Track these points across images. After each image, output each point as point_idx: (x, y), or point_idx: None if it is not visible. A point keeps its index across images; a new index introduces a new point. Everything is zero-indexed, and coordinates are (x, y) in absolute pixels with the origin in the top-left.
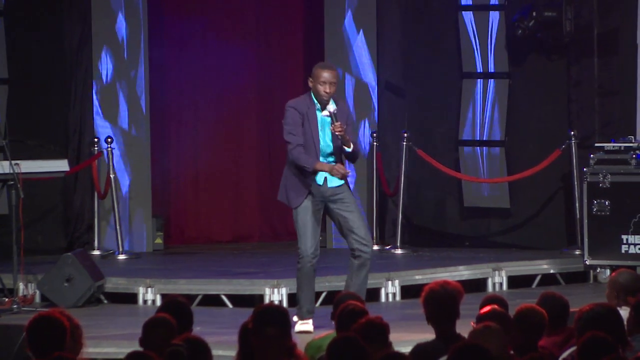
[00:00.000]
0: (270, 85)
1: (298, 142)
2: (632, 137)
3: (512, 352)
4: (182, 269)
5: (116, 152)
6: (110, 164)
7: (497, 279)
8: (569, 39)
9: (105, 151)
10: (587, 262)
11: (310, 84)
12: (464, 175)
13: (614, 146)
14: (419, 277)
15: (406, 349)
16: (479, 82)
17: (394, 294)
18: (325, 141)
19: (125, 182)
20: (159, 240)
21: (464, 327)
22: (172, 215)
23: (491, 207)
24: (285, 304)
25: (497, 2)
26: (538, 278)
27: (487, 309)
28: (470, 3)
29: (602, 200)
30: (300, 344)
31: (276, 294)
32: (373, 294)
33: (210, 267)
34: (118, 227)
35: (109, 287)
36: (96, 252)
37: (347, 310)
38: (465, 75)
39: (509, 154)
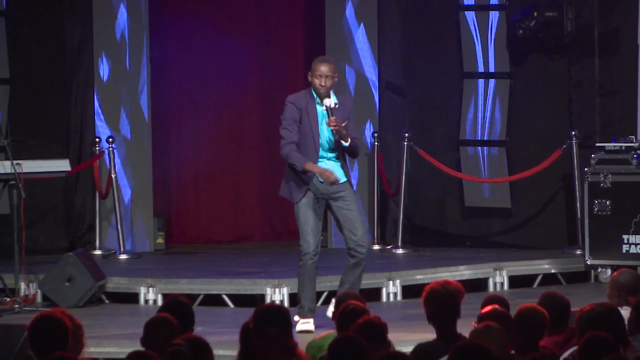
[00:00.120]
0: (270, 84)
1: (291, 139)
2: (633, 137)
3: (513, 352)
4: (184, 268)
5: (117, 152)
6: (112, 163)
7: (498, 278)
8: (569, 39)
9: (106, 151)
10: (588, 262)
11: (310, 78)
12: (465, 175)
13: (614, 146)
14: (420, 276)
15: (407, 349)
16: (480, 82)
17: (395, 294)
18: (326, 135)
19: (126, 182)
20: (160, 240)
21: (465, 327)
22: (173, 215)
23: (492, 207)
24: (286, 303)
25: (498, 2)
26: (539, 278)
27: (488, 308)
28: (471, 3)
29: (603, 200)
30: (301, 343)
31: (277, 294)
32: (374, 294)
33: (212, 267)
34: (119, 227)
35: (111, 287)
36: (97, 252)
37: (348, 310)
38: (466, 75)
39: (510, 154)
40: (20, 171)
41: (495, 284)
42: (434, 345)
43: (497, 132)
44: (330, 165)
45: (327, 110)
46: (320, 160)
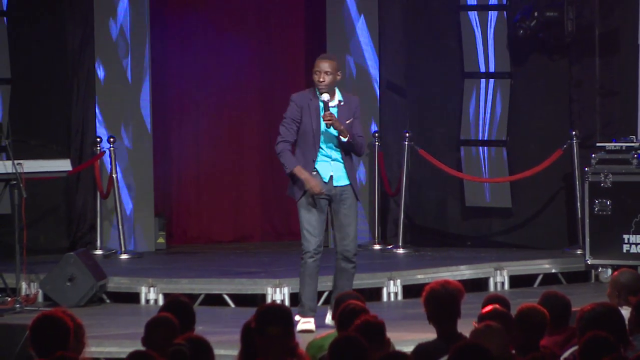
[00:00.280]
0: (271, 84)
1: (286, 138)
2: (634, 136)
3: (513, 351)
4: (184, 268)
5: (118, 152)
6: (113, 163)
7: (499, 278)
8: (570, 39)
9: (107, 151)
10: (589, 262)
11: (313, 76)
12: (465, 175)
13: (615, 146)
14: (421, 276)
15: (408, 349)
16: (481, 82)
17: (396, 294)
18: (329, 132)
19: (127, 182)
20: (161, 240)
21: (466, 327)
22: (174, 214)
23: (493, 206)
24: (287, 303)
25: (498, 2)
26: (539, 278)
27: (488, 308)
28: (472, 3)
29: (604, 200)
30: (302, 343)
31: (278, 294)
32: (375, 294)
33: (212, 266)
34: (120, 226)
35: (112, 287)
36: (99, 252)
37: (348, 310)
38: (467, 75)
39: (511, 154)
40: (22, 171)
41: (495, 283)
42: (435, 345)
43: (497, 132)
44: (333, 166)
45: (324, 104)
46: (322, 159)
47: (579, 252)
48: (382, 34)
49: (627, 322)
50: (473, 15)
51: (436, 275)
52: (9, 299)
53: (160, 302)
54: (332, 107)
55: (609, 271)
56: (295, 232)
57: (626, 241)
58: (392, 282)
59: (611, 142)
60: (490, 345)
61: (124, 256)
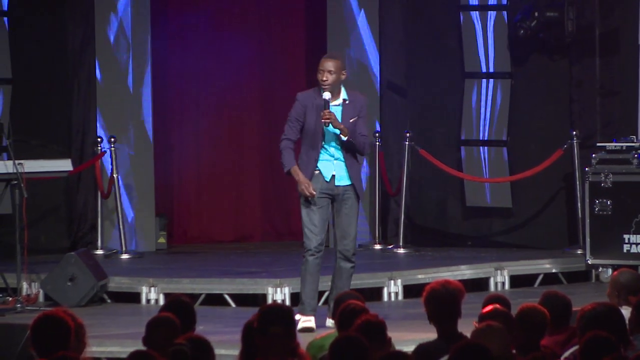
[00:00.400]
0: (271, 84)
1: (288, 136)
2: (634, 136)
3: (514, 351)
4: (185, 268)
5: (119, 152)
6: (114, 163)
7: (499, 278)
8: (570, 39)
9: (108, 151)
10: (589, 262)
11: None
12: (466, 175)
13: (615, 146)
14: (422, 276)
15: (409, 348)
16: (482, 82)
17: (397, 293)
18: (331, 131)
19: (128, 182)
20: (162, 240)
21: (466, 327)
22: (175, 214)
23: (493, 206)
24: (288, 303)
25: (498, 2)
26: (540, 277)
27: (489, 308)
28: (472, 3)
29: (604, 200)
30: (302, 343)
31: (279, 293)
32: (375, 293)
33: (213, 266)
34: (121, 226)
35: (112, 287)
36: (99, 252)
37: (348, 310)
38: (468, 75)
39: (511, 154)
40: (22, 171)
41: (496, 283)
42: (435, 345)
43: (498, 132)
44: (335, 165)
45: (324, 102)
46: (325, 158)
47: (579, 252)
48: (382, 33)
49: (627, 321)
50: (473, 15)
51: (437, 275)
52: (10, 298)
53: (161, 302)
54: (336, 105)
55: (610, 271)
56: (295, 232)
57: (626, 241)
58: (392, 282)
59: (611, 142)
60: (492, 345)
61: (124, 256)
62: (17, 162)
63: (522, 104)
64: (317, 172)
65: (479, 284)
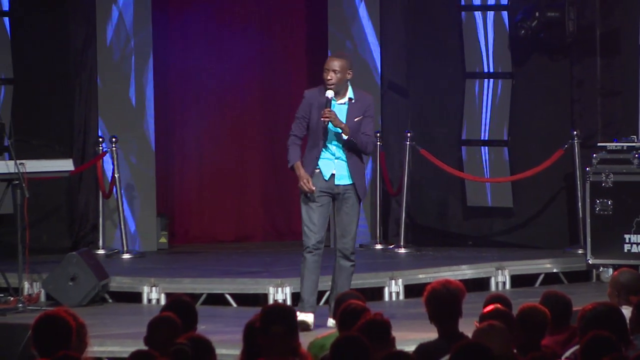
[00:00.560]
0: (273, 84)
1: (295, 133)
2: (635, 136)
3: (515, 351)
4: (186, 268)
5: (120, 152)
6: (115, 163)
7: (500, 278)
8: (571, 39)
9: (109, 151)
10: (590, 261)
11: None
12: (467, 174)
13: (616, 146)
14: (423, 276)
15: (409, 348)
16: (483, 82)
17: (398, 293)
18: (334, 129)
19: (129, 182)
20: (163, 240)
21: (467, 327)
22: (176, 214)
23: (494, 206)
24: (289, 303)
25: (499, 2)
26: (541, 277)
27: (490, 308)
28: (473, 3)
29: (605, 200)
30: (303, 343)
31: (280, 293)
32: (376, 293)
33: (214, 266)
34: (122, 226)
35: (114, 286)
36: (101, 252)
37: (349, 310)
38: (469, 75)
39: (512, 154)
40: (24, 171)
41: (497, 283)
42: (436, 345)
43: (499, 132)
44: (336, 164)
45: (326, 101)
46: (326, 157)
47: (580, 252)
48: (383, 33)
49: (628, 321)
50: (474, 15)
51: (437, 275)
52: (12, 298)
53: (163, 301)
54: (342, 104)
55: (610, 271)
56: (297, 232)
57: (627, 241)
58: (393, 281)
59: (612, 142)
60: (493, 345)
61: (126, 256)
62: (18, 162)
63: (523, 103)
64: (317, 170)
65: (480, 284)
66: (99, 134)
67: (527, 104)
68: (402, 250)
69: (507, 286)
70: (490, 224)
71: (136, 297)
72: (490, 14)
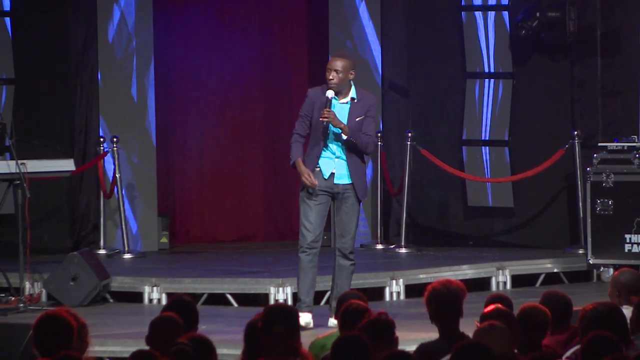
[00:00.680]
0: (274, 84)
1: (298, 131)
2: (635, 136)
3: (515, 351)
4: (188, 268)
5: (122, 152)
6: (116, 163)
7: (501, 278)
8: (572, 39)
9: (110, 151)
10: (591, 261)
11: None
12: (467, 174)
13: (617, 146)
14: (423, 276)
15: (410, 348)
16: (483, 82)
17: (398, 293)
18: (334, 129)
19: (130, 182)
20: (164, 240)
21: (468, 326)
22: (177, 214)
23: (495, 206)
24: (290, 303)
25: (500, 3)
26: (542, 277)
27: (491, 307)
28: (474, 3)
29: (606, 200)
30: (305, 342)
31: (281, 293)
32: (377, 293)
33: (216, 266)
34: (123, 226)
35: (115, 286)
36: (102, 252)
37: (350, 310)
38: (469, 75)
39: (513, 154)
40: (25, 171)
41: (498, 283)
42: (437, 345)
43: (499, 132)
44: (336, 163)
45: (326, 100)
46: (326, 156)
47: (580, 252)
48: (384, 33)
49: (628, 321)
50: (475, 16)
51: (438, 275)
52: (13, 298)
53: (164, 301)
54: (344, 103)
55: (611, 271)
56: (297, 232)
57: (628, 241)
58: (394, 281)
59: (613, 142)
60: (493, 345)
61: (127, 256)
62: (19, 162)
63: (523, 103)
64: (317, 169)
65: (481, 284)
66: (100, 134)
67: (528, 104)
68: (403, 250)
69: (508, 286)
70: (491, 224)
71: (137, 297)
72: (491, 14)
